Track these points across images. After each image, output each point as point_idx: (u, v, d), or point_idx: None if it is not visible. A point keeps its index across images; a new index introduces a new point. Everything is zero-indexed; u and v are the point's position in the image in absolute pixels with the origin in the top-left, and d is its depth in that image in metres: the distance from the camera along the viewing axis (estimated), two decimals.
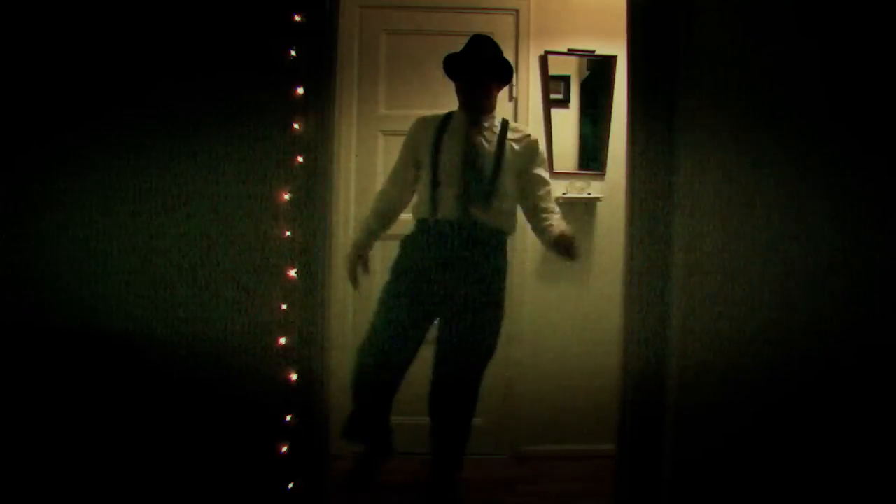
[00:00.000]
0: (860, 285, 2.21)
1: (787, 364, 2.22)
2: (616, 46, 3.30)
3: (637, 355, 2.28)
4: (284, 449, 2.20)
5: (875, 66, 2.21)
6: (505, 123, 2.84)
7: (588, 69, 3.56)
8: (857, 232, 2.20)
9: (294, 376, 2.21)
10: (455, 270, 2.69)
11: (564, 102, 3.54)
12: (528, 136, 2.87)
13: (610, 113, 3.51)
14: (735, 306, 2.22)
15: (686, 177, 2.24)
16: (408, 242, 2.84)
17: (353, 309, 3.49)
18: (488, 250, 2.73)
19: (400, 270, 2.82)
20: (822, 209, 2.21)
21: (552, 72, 3.50)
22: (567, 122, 3.54)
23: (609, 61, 3.48)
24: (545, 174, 2.87)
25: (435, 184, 2.75)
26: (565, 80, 3.53)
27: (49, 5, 2.18)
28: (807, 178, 2.21)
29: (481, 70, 2.78)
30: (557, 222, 2.74)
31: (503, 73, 2.84)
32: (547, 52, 3.48)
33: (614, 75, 3.47)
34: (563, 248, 2.66)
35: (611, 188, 3.49)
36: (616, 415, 2.39)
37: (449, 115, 2.85)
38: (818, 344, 2.21)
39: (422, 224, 2.80)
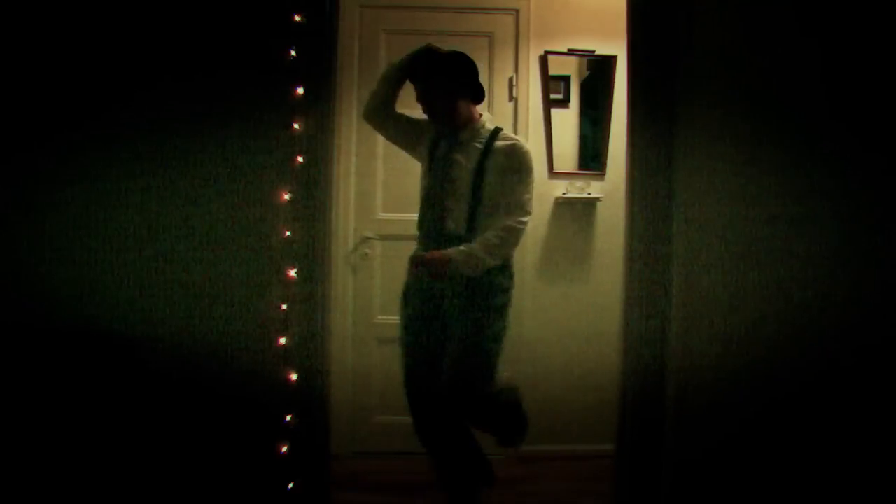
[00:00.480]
0: (861, 285, 2.21)
1: (787, 364, 2.22)
2: (616, 46, 3.30)
3: (637, 355, 2.28)
4: (284, 449, 2.20)
5: (875, 65, 2.21)
6: (494, 133, 2.65)
7: (588, 69, 3.56)
8: (858, 232, 2.20)
9: (294, 376, 2.21)
10: (445, 291, 2.60)
11: (564, 102, 3.54)
12: (515, 143, 2.64)
13: (610, 113, 3.51)
14: (735, 306, 2.22)
15: (686, 176, 2.24)
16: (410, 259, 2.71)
17: (353, 309, 3.49)
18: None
19: (405, 287, 2.74)
20: (823, 208, 2.21)
21: (552, 72, 3.50)
22: (567, 122, 3.54)
23: (609, 61, 3.48)
24: (519, 192, 2.59)
25: (424, 200, 2.69)
26: (565, 80, 3.53)
27: (51, 5, 2.18)
28: (807, 177, 2.21)
29: (424, 80, 2.65)
30: (473, 247, 2.54)
31: (444, 80, 2.64)
32: (547, 52, 3.48)
33: (614, 75, 3.47)
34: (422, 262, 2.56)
35: (611, 188, 3.49)
36: (616, 415, 2.39)
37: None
38: (818, 344, 2.21)
39: (419, 238, 2.72)
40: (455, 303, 2.59)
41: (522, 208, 2.60)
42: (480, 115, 2.72)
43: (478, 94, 2.72)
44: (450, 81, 2.65)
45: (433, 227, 2.64)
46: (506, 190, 2.59)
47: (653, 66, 2.27)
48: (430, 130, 2.74)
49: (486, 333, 2.59)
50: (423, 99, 2.67)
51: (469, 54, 2.83)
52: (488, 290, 2.59)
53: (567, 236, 3.54)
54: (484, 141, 2.63)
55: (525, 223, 2.61)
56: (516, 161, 2.60)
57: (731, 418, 2.24)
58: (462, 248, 2.53)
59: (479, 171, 2.59)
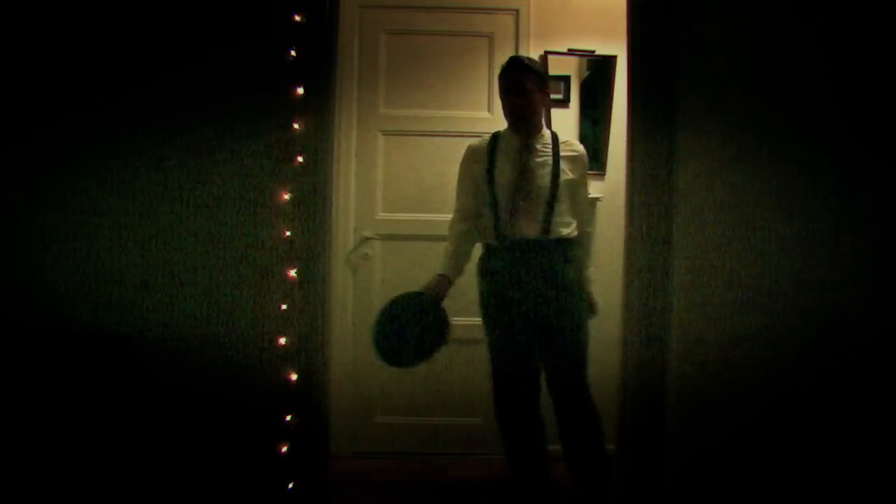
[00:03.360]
0: (863, 286, 2.21)
1: (787, 364, 2.22)
2: (616, 46, 3.29)
3: (637, 355, 2.28)
4: (284, 449, 2.20)
5: (879, 65, 2.21)
6: (555, 137, 2.81)
7: (588, 69, 3.56)
8: (859, 232, 2.20)
9: (294, 376, 2.21)
10: (526, 290, 2.69)
11: (564, 102, 3.54)
12: (576, 146, 2.87)
13: (610, 113, 3.50)
14: (735, 306, 2.22)
15: (686, 177, 2.24)
16: (480, 268, 2.82)
17: (353, 309, 3.49)
18: (556, 263, 2.71)
19: (482, 297, 2.82)
20: (824, 208, 2.21)
21: (552, 72, 3.49)
22: (567, 122, 3.53)
23: (609, 61, 3.48)
24: (587, 192, 2.92)
25: (495, 209, 2.74)
26: (565, 80, 3.53)
27: (54, 7, 2.19)
28: (808, 177, 2.21)
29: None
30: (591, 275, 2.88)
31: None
32: (547, 52, 3.48)
33: (614, 75, 3.46)
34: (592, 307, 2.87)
35: (611, 188, 3.49)
36: (616, 415, 2.39)
37: (496, 137, 2.81)
38: (818, 344, 2.21)
39: (489, 248, 2.79)
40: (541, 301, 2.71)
41: (590, 208, 2.95)
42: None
43: (544, 79, 2.86)
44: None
45: (508, 234, 2.71)
46: (577, 196, 2.81)
47: (653, 66, 2.27)
48: (480, 168, 2.79)
49: (576, 325, 2.76)
50: (516, 108, 2.73)
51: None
52: (561, 284, 2.72)
53: None
54: (550, 147, 2.77)
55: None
56: (580, 166, 2.83)
57: (732, 418, 2.23)
58: (589, 277, 2.85)
59: (556, 178, 2.72)
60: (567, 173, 2.74)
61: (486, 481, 3.16)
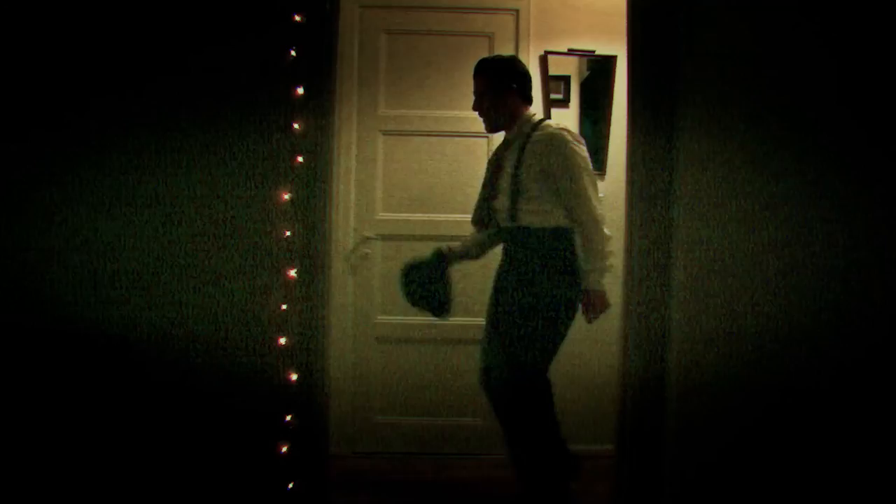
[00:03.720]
0: (865, 285, 2.20)
1: (788, 365, 2.22)
2: (616, 46, 3.29)
3: (637, 356, 2.28)
4: (284, 449, 2.20)
5: (881, 61, 2.21)
6: (535, 126, 2.69)
7: (588, 69, 3.56)
8: (860, 233, 2.20)
9: (294, 376, 2.21)
10: (498, 278, 2.73)
11: (564, 102, 3.53)
12: (549, 130, 2.66)
13: (610, 113, 3.50)
14: (735, 306, 2.22)
15: (686, 177, 2.24)
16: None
17: (353, 309, 3.49)
18: (528, 253, 2.64)
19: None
20: (825, 209, 2.21)
21: (552, 72, 3.49)
22: (567, 122, 3.52)
23: (609, 61, 3.48)
24: (572, 177, 2.59)
25: (478, 200, 2.82)
26: (565, 80, 3.53)
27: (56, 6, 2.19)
28: (809, 177, 2.21)
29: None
30: (594, 269, 2.59)
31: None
32: (547, 52, 3.48)
33: (614, 75, 3.46)
34: (588, 305, 2.61)
35: (611, 188, 3.49)
36: (616, 415, 2.40)
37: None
38: (819, 346, 2.21)
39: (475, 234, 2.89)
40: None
41: (580, 196, 2.59)
42: (533, 114, 2.77)
43: (525, 94, 2.77)
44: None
45: (486, 224, 2.78)
46: (560, 185, 2.60)
47: (653, 66, 2.27)
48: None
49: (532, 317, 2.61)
50: (474, 104, 2.78)
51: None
52: (533, 274, 2.63)
53: None
54: (525, 136, 2.69)
55: (593, 208, 2.59)
56: (552, 150, 2.60)
57: (732, 418, 2.23)
58: (593, 277, 2.58)
59: (518, 166, 2.65)
60: (534, 159, 2.61)
61: (486, 481, 3.16)
